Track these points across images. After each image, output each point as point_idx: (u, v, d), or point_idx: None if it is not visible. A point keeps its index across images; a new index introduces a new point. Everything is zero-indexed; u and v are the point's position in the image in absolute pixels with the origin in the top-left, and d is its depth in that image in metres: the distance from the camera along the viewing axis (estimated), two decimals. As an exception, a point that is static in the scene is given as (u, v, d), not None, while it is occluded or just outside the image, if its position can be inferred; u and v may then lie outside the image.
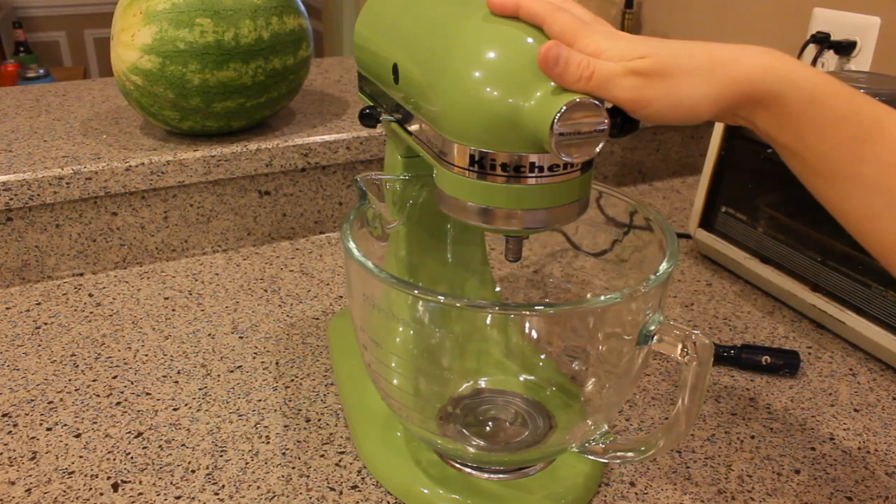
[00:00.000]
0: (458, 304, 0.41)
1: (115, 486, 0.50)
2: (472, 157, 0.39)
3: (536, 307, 0.48)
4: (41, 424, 0.56)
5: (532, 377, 0.56)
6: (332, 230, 0.90)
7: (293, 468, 0.52)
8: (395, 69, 0.46)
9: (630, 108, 0.39)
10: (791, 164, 0.41)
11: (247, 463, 0.53)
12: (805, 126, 0.39)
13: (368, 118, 0.50)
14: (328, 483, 0.51)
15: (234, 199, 0.83)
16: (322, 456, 0.54)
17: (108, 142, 0.81)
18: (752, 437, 0.57)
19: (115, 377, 0.62)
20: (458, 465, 0.50)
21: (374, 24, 0.51)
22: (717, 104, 0.39)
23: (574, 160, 0.37)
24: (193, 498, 0.50)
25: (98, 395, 0.59)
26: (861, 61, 0.93)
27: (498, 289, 0.62)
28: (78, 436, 0.55)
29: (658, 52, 0.38)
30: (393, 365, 0.46)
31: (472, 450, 0.49)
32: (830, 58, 0.95)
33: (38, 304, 0.73)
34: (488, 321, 0.56)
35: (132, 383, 0.61)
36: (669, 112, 0.39)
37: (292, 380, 0.62)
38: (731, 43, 0.40)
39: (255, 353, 0.65)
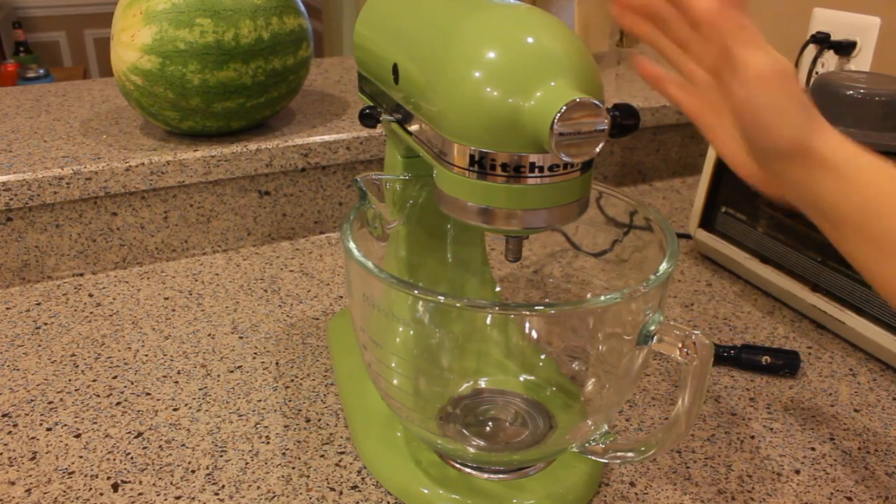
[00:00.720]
0: (458, 304, 0.41)
1: (115, 486, 0.50)
2: (472, 157, 0.39)
3: (536, 307, 0.48)
4: (41, 424, 0.56)
5: (532, 377, 0.56)
6: (332, 230, 0.90)
7: (293, 468, 0.52)
8: (395, 69, 0.46)
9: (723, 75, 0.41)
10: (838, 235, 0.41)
11: (247, 463, 0.53)
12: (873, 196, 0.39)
13: (368, 118, 0.50)
14: (328, 483, 0.51)
15: (234, 199, 0.83)
16: (322, 456, 0.54)
17: (108, 142, 0.81)
18: (752, 437, 0.57)
19: (115, 377, 0.62)
20: (458, 465, 0.50)
21: (374, 24, 0.51)
22: (790, 141, 0.40)
23: (574, 160, 0.37)
24: (193, 498, 0.50)
25: (98, 395, 0.59)
26: (861, 61, 0.93)
27: (498, 289, 0.62)
28: (78, 436, 0.55)
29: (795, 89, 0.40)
30: (393, 365, 0.46)
31: (472, 450, 0.49)
32: (830, 58, 0.95)
33: (38, 304, 0.73)
34: (488, 321, 0.56)
35: (132, 383, 0.61)
36: (744, 115, 0.41)
37: (292, 380, 0.62)
38: None
39: (255, 353, 0.65)
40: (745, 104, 0.41)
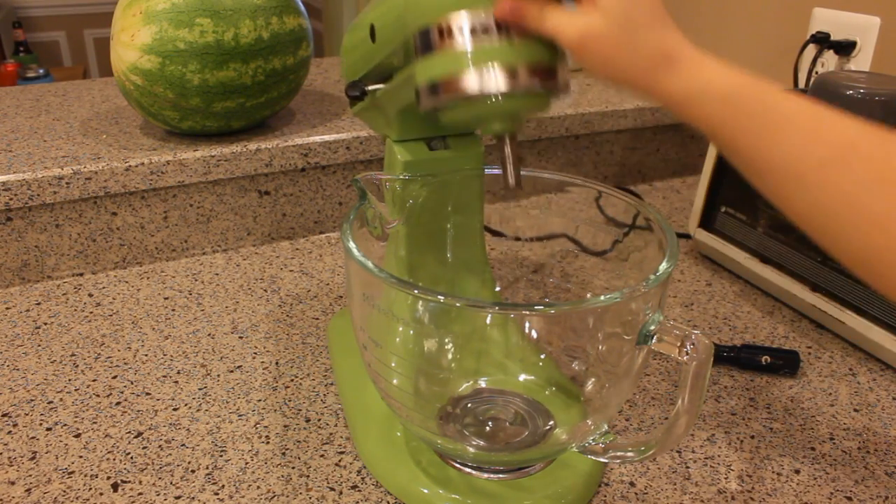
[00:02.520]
0: (458, 304, 0.41)
1: (114, 486, 0.50)
2: (441, 30, 0.41)
3: (536, 307, 0.48)
4: (41, 424, 0.56)
5: (532, 377, 0.56)
6: (332, 230, 0.90)
7: (293, 468, 0.52)
8: (371, 29, 0.49)
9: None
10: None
11: (247, 463, 0.53)
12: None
13: (354, 87, 0.52)
14: (328, 483, 0.51)
15: (234, 199, 0.83)
16: (322, 456, 0.54)
17: (108, 142, 0.81)
18: (752, 437, 0.57)
19: (115, 377, 0.62)
20: (458, 465, 0.50)
21: (356, 29, 0.53)
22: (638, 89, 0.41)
23: None
24: (193, 498, 0.50)
25: (98, 395, 0.59)
26: (861, 61, 0.93)
27: (498, 289, 0.62)
28: (78, 436, 0.55)
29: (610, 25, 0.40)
30: (393, 365, 0.46)
31: (472, 450, 0.49)
32: (830, 58, 0.96)
33: (38, 304, 0.73)
34: (488, 321, 0.56)
35: (132, 383, 0.61)
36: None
37: (292, 380, 0.62)
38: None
39: (255, 353, 0.65)
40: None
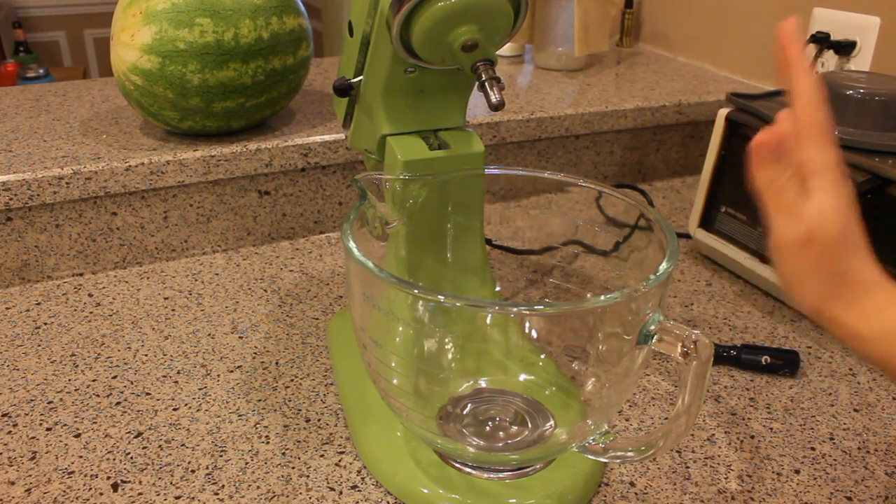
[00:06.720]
0: (458, 304, 0.41)
1: (114, 486, 0.50)
2: None
3: (536, 307, 0.48)
4: (41, 424, 0.56)
5: (532, 377, 0.56)
6: (332, 230, 0.90)
7: (293, 468, 0.52)
8: (349, 26, 0.53)
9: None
10: None
11: (247, 463, 0.53)
12: None
13: (340, 83, 0.55)
14: (328, 483, 0.51)
15: (233, 199, 0.83)
16: (322, 456, 0.54)
17: (108, 142, 0.81)
18: (752, 437, 0.57)
19: (115, 377, 0.62)
20: (458, 465, 0.50)
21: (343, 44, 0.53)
22: (809, 309, 0.40)
23: None
24: (193, 498, 0.50)
25: (98, 395, 0.59)
26: (861, 61, 0.93)
27: (498, 289, 0.62)
28: (78, 436, 0.55)
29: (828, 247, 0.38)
30: (393, 365, 0.46)
31: (472, 450, 0.49)
32: (830, 58, 0.96)
33: (38, 304, 0.73)
34: (488, 321, 0.56)
35: (132, 383, 0.61)
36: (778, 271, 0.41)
37: (292, 380, 0.62)
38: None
39: (255, 353, 0.65)
40: (775, 266, 0.41)
